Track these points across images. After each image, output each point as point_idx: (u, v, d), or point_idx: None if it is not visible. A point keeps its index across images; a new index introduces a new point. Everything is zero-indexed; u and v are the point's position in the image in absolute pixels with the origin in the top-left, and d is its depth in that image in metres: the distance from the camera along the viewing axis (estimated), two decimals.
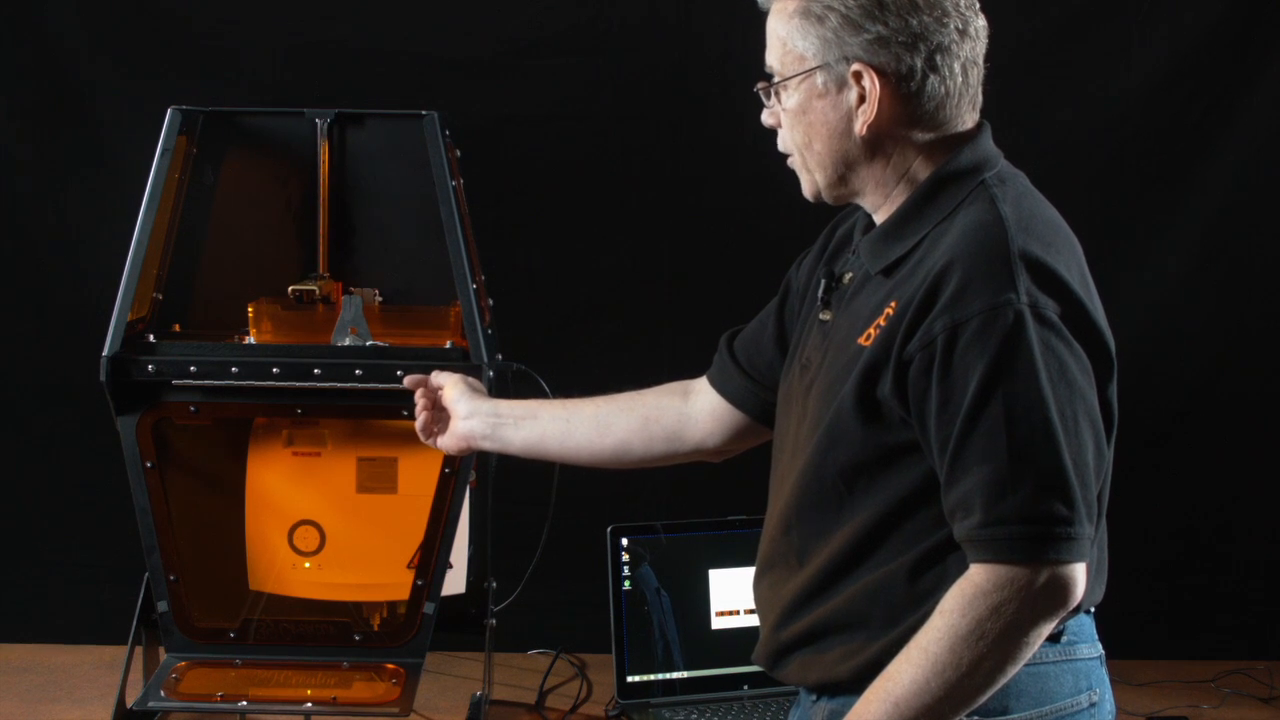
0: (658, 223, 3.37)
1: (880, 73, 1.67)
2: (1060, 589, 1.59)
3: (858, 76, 1.67)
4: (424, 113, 2.64)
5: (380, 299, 2.72)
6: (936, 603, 1.62)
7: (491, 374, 2.48)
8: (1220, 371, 3.41)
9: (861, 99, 1.68)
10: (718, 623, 2.82)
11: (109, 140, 3.28)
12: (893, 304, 1.66)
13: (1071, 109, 3.33)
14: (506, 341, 2.75)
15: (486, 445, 2.10)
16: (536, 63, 3.31)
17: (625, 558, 2.79)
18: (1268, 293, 3.39)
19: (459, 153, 2.76)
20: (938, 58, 1.67)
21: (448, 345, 2.61)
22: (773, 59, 1.74)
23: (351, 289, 2.68)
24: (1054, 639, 1.69)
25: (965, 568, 1.61)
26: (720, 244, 3.37)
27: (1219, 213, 3.35)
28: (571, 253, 3.36)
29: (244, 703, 2.52)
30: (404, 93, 3.01)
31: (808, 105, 1.71)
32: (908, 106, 1.69)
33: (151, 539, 2.56)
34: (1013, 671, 1.62)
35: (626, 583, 2.79)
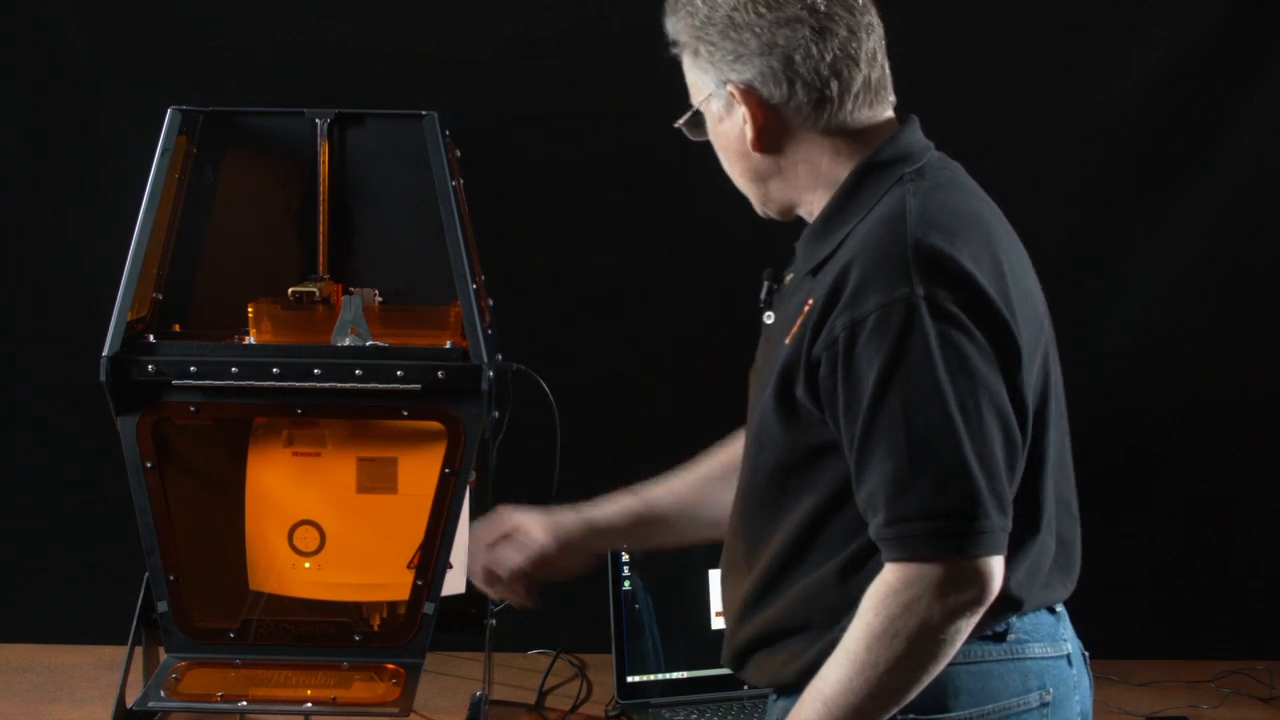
0: (658, 223, 3.37)
1: (746, 87, 1.73)
2: (971, 582, 1.58)
3: (733, 96, 1.74)
4: (424, 113, 2.64)
5: (380, 299, 2.72)
6: None
7: (491, 374, 2.48)
8: (1220, 371, 3.41)
9: (746, 117, 1.74)
10: (717, 623, 2.82)
11: (109, 140, 3.28)
12: (809, 301, 1.67)
13: (1071, 109, 3.33)
14: (506, 341, 2.75)
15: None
16: (536, 63, 3.31)
17: (625, 558, 2.80)
18: (1268, 293, 3.39)
19: (459, 153, 2.76)
20: (796, 57, 1.69)
21: (448, 345, 2.61)
22: (691, 97, 1.84)
23: (351, 289, 2.68)
24: (999, 638, 1.69)
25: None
26: (720, 244, 3.36)
27: (1219, 213, 3.35)
28: (571, 253, 3.36)
29: (244, 703, 2.52)
30: (404, 93, 3.01)
31: (714, 131, 1.82)
32: (786, 113, 1.73)
33: (151, 539, 2.56)
34: (936, 669, 1.62)
35: (626, 583, 2.79)
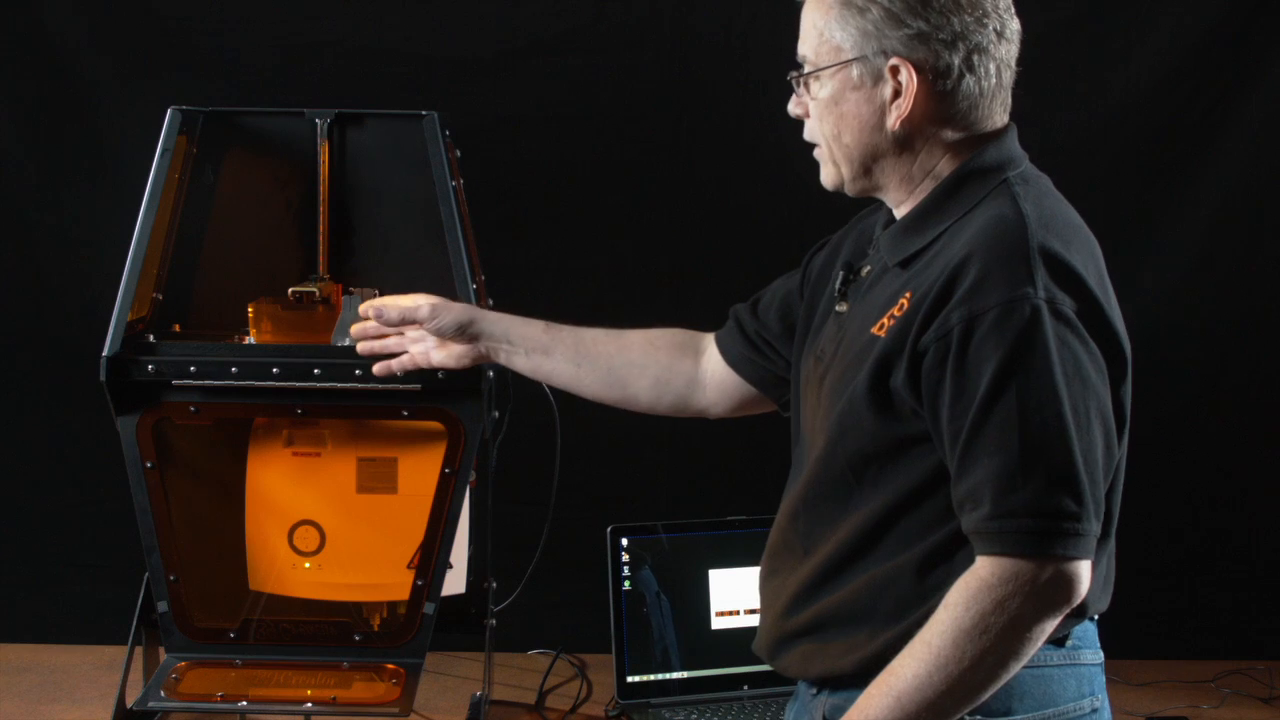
0: (658, 222, 3.37)
1: (918, 69, 1.67)
2: (1065, 585, 1.59)
3: (894, 71, 1.68)
4: (424, 113, 2.64)
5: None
6: (942, 598, 1.62)
7: (491, 374, 2.48)
8: (1221, 371, 3.41)
9: (896, 94, 1.69)
10: (718, 623, 2.82)
11: (109, 140, 3.29)
12: (908, 294, 1.66)
13: (1071, 108, 3.33)
14: None
15: (489, 360, 2.15)
16: (536, 63, 3.31)
17: (625, 558, 2.79)
18: (1268, 293, 3.39)
19: (459, 153, 2.76)
20: (975, 58, 1.68)
21: None
22: (806, 48, 1.74)
23: (351, 289, 2.68)
24: (1059, 642, 1.69)
25: (972, 564, 1.61)
26: (721, 244, 3.37)
27: (1219, 212, 3.35)
28: (571, 253, 3.36)
29: (244, 703, 2.52)
30: (404, 93, 3.01)
31: (841, 97, 1.72)
32: (942, 104, 1.69)
33: (151, 539, 2.56)
34: (1015, 668, 1.61)
35: (626, 583, 2.79)
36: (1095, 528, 1.61)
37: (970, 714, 1.64)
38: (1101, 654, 1.77)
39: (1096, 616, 1.78)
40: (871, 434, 1.69)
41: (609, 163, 3.35)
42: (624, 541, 2.80)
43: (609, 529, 2.80)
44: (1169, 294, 3.37)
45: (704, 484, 3.26)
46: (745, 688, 2.79)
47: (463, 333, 2.10)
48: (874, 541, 1.71)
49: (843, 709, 1.69)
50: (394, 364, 2.17)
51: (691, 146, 3.35)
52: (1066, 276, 1.61)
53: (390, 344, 2.17)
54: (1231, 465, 3.41)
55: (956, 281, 1.61)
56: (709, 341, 2.09)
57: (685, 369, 2.07)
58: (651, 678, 2.80)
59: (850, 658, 1.72)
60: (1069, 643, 1.71)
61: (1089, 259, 1.67)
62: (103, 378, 2.49)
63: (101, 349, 2.50)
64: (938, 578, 1.66)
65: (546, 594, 3.06)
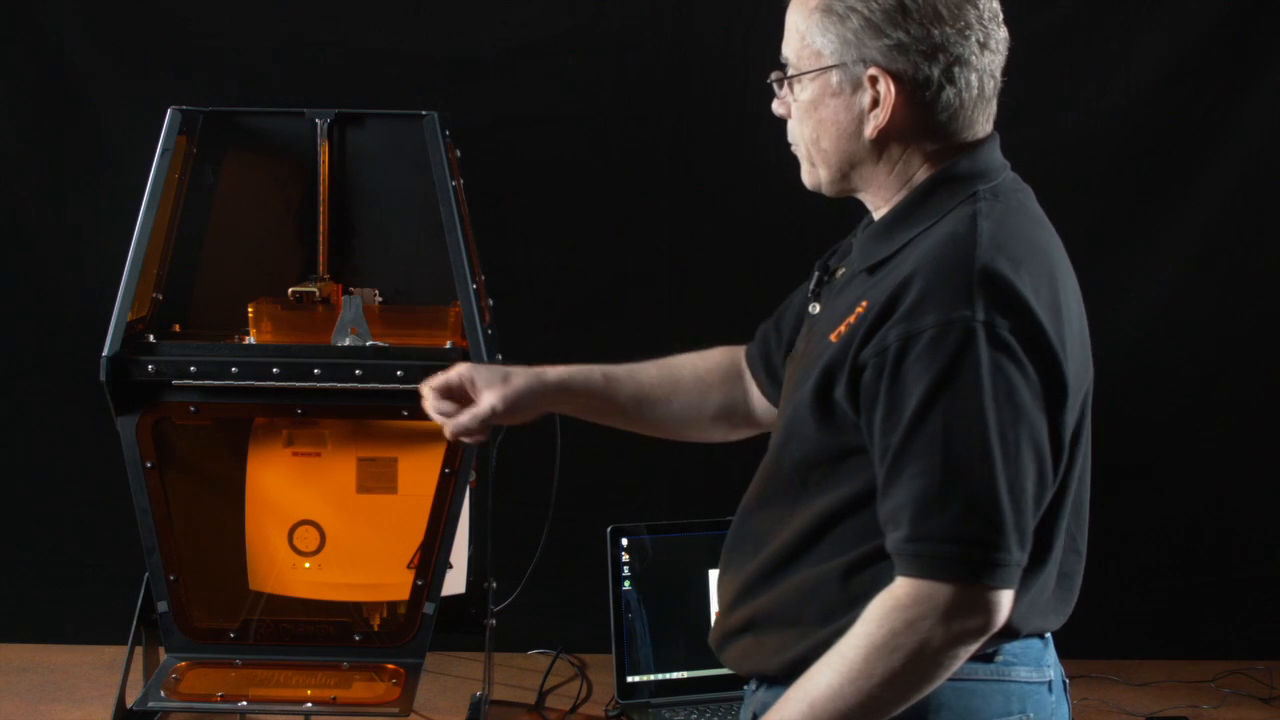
0: (657, 223, 3.37)
1: (896, 79, 1.66)
2: (978, 613, 1.58)
3: (873, 80, 1.67)
4: (424, 113, 2.64)
5: (380, 299, 2.72)
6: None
7: None
8: (1221, 371, 3.40)
9: (875, 103, 1.67)
10: None
11: (109, 140, 3.28)
12: (863, 304, 1.66)
13: (1071, 109, 3.33)
14: (506, 341, 2.75)
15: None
16: (536, 63, 3.31)
17: (625, 558, 2.79)
18: (1268, 293, 3.39)
19: (459, 153, 2.76)
20: (955, 69, 1.66)
21: (448, 345, 2.61)
22: (789, 51, 1.73)
23: (351, 289, 2.68)
24: (987, 658, 1.68)
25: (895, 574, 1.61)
26: (720, 243, 3.37)
27: (1219, 212, 3.35)
28: (571, 253, 3.36)
29: (244, 703, 2.53)
30: (404, 93, 3.01)
31: (820, 102, 1.71)
32: (920, 115, 1.68)
33: (151, 539, 2.56)
34: (927, 688, 1.61)
35: (626, 583, 2.79)
36: (1017, 556, 1.58)
37: None
38: (1049, 672, 1.74)
39: (1047, 636, 1.75)
40: (815, 441, 1.69)
41: (609, 163, 3.35)
42: (624, 541, 2.80)
43: (609, 529, 2.80)
44: (1169, 294, 3.37)
45: (704, 484, 3.26)
46: (745, 688, 2.79)
47: (532, 408, 2.08)
48: (810, 545, 1.71)
49: (770, 705, 1.71)
50: (465, 420, 2.05)
51: (691, 146, 3.35)
52: (1009, 299, 1.58)
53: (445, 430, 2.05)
54: (1232, 465, 3.40)
55: (899, 299, 1.60)
56: (748, 370, 2.08)
57: (739, 398, 2.07)
58: (651, 678, 2.80)
59: (779, 657, 1.73)
60: (998, 658, 1.69)
61: (1044, 282, 1.63)
62: (103, 378, 2.50)
63: (101, 349, 2.50)
64: (862, 586, 1.65)
65: (546, 594, 3.06)
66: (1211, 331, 3.39)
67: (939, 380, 1.56)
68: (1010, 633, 1.66)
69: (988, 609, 1.58)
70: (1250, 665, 3.18)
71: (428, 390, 2.00)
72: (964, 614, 1.57)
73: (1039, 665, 1.73)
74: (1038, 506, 1.62)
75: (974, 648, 1.61)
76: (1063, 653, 1.78)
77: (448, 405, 1.98)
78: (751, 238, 3.34)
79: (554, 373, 2.03)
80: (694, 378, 2.07)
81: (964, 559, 1.56)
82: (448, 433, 2.01)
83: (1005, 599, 1.59)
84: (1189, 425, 3.40)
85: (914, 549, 1.58)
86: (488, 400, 1.97)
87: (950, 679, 1.63)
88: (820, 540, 1.70)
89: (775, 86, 1.76)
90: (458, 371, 2.00)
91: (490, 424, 1.99)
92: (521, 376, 2.00)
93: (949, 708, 1.67)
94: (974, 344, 1.56)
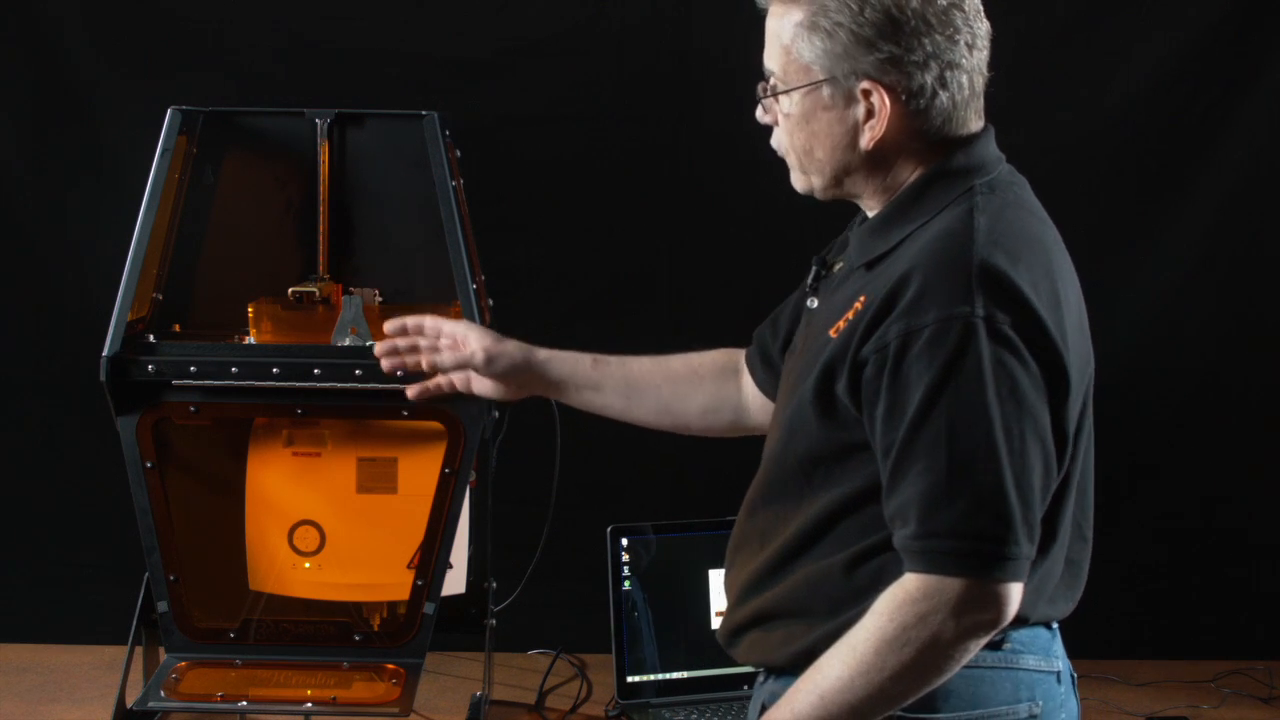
0: (658, 222, 3.37)
1: (890, 90, 1.66)
2: (988, 606, 1.59)
3: (866, 94, 1.67)
4: (424, 113, 2.64)
5: (380, 299, 2.72)
6: (874, 598, 1.63)
7: None
8: (1222, 371, 3.40)
9: (869, 114, 1.67)
10: (718, 623, 2.81)
11: (109, 140, 3.29)
12: (861, 299, 1.66)
13: (1072, 109, 3.33)
14: None
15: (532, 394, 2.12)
16: (536, 63, 3.31)
17: (625, 558, 2.79)
18: (1268, 293, 3.39)
19: (459, 153, 2.76)
20: (948, 74, 1.66)
21: None
22: (772, 63, 1.73)
23: (351, 289, 2.68)
24: (995, 646, 1.69)
25: (903, 567, 1.62)
26: (720, 243, 3.37)
27: (1219, 213, 3.35)
28: (571, 253, 3.36)
29: (244, 703, 2.52)
30: (404, 93, 3.01)
31: (812, 115, 1.71)
32: (915, 121, 1.68)
33: (151, 539, 2.56)
34: (938, 681, 1.62)
35: (626, 583, 2.79)
36: (1026, 549, 1.59)
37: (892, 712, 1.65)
38: (1057, 663, 1.75)
39: (1054, 626, 1.76)
40: (817, 437, 1.70)
41: (609, 163, 3.35)
42: (624, 541, 2.80)
43: (609, 529, 2.80)
44: (1169, 294, 3.37)
45: (704, 483, 3.26)
46: (745, 687, 2.79)
47: (516, 375, 2.08)
48: (816, 539, 1.72)
49: (779, 695, 1.71)
50: (431, 385, 2.11)
51: (691, 147, 3.35)
52: (1008, 293, 1.58)
53: (421, 361, 2.07)
54: (1232, 465, 3.41)
55: (898, 295, 1.60)
56: (745, 364, 2.08)
57: (730, 395, 2.07)
58: (651, 678, 2.80)
59: (786, 649, 1.74)
60: (1006, 646, 1.70)
61: (1042, 275, 1.63)
62: (103, 378, 2.50)
63: (101, 349, 2.50)
64: (866, 578, 1.66)
65: (546, 594, 3.06)
66: (1211, 331, 3.39)
67: (941, 376, 1.57)
68: (1018, 620, 1.66)
69: (998, 603, 1.59)
70: (1250, 665, 3.18)
71: (429, 324, 2.05)
72: (975, 608, 1.59)
73: (1047, 655, 1.74)
74: (1044, 499, 1.63)
75: (984, 641, 1.62)
76: None
77: (429, 343, 2.05)
78: (751, 238, 3.34)
79: (544, 349, 2.08)
80: (687, 369, 2.09)
81: (974, 554, 1.57)
82: (424, 365, 2.05)
83: (1015, 592, 1.60)
84: (1189, 425, 3.40)
85: (923, 545, 1.59)
86: (473, 344, 2.03)
87: None
88: (826, 534, 1.71)
89: (759, 93, 1.77)
90: (455, 325, 2.06)
91: (467, 368, 2.03)
92: (513, 342, 2.06)
93: (958, 694, 1.68)
94: (975, 339, 1.56)
